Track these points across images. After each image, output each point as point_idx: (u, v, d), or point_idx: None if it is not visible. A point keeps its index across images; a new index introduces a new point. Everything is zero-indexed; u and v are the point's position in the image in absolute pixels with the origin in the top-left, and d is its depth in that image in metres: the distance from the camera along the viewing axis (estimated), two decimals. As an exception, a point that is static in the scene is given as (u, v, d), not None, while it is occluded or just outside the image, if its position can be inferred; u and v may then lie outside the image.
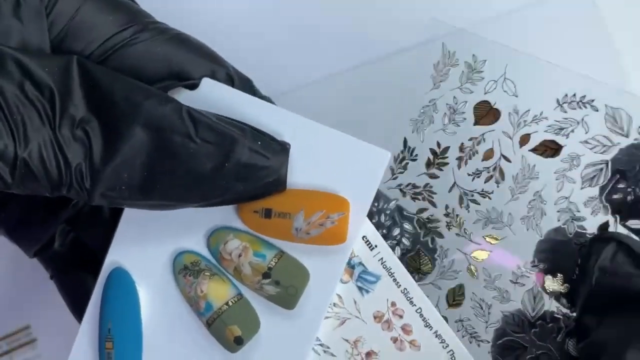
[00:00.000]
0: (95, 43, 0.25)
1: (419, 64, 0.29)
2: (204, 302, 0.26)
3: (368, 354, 0.26)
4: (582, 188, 0.27)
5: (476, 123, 0.28)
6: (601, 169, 0.27)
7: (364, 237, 0.26)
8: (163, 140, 0.23)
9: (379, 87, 0.31)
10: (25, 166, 0.23)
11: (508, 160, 0.28)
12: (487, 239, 0.28)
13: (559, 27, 0.33)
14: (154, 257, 0.27)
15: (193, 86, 0.26)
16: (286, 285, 0.25)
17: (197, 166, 0.23)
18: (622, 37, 0.33)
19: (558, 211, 0.27)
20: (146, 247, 0.27)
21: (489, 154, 0.28)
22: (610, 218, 0.27)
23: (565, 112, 0.27)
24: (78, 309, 0.30)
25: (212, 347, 0.26)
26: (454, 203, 0.28)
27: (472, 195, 0.28)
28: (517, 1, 0.34)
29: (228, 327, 0.26)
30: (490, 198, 0.28)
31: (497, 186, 0.28)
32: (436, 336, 0.25)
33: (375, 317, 0.26)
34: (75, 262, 0.31)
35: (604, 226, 0.27)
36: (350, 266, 0.26)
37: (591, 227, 0.27)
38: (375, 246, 0.26)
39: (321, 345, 0.26)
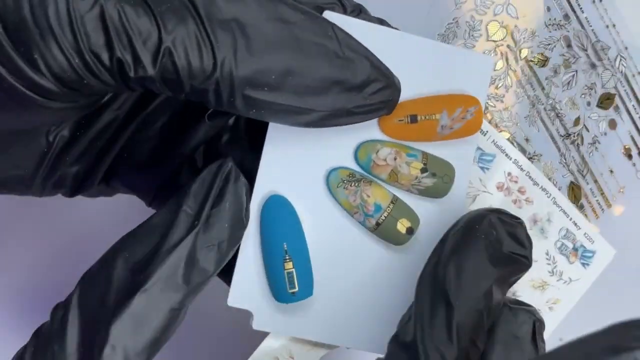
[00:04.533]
0: None
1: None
2: (373, 204, 0.28)
3: None
4: (563, 91, 0.35)
5: (488, 39, 0.34)
6: (572, 76, 0.35)
7: None
8: (313, 51, 0.24)
9: (406, 8, 0.35)
10: (168, 55, 0.22)
11: (513, 70, 0.34)
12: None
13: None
14: (305, 179, 0.29)
15: None
16: (442, 175, 0.29)
17: (340, 77, 0.25)
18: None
19: (548, 110, 0.35)
20: (295, 172, 0.29)
21: (499, 65, 0.34)
22: (581, 114, 0.36)
23: (550, 32, 0.35)
24: None
25: (378, 246, 0.29)
26: (477, 106, 0.34)
27: (489, 99, 0.34)
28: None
29: (399, 221, 0.29)
30: (503, 101, 0.34)
31: (507, 91, 0.34)
32: (542, 189, 0.33)
33: (497, 188, 0.32)
34: None
35: (577, 120, 0.36)
36: None
37: (570, 122, 0.35)
38: (487, 131, 0.31)
39: None
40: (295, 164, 0.29)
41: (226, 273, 0.28)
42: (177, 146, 0.31)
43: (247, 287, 0.28)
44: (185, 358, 0.40)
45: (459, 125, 0.29)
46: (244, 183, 0.27)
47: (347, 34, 0.26)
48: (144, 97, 0.29)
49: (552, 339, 0.34)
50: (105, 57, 0.22)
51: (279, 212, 0.29)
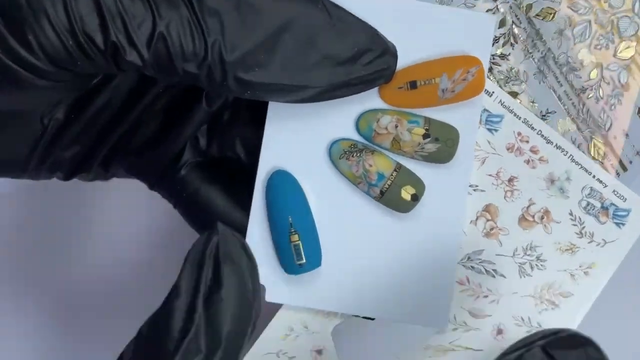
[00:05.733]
0: None
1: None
2: (376, 173, 0.29)
3: (510, 180, 0.32)
4: (574, 44, 0.33)
5: (489, -3, 0.33)
6: (586, 26, 0.33)
7: None
8: (302, 27, 0.25)
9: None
10: (161, 40, 0.23)
11: (518, 25, 0.33)
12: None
13: None
14: (308, 153, 0.29)
15: None
16: (445, 140, 0.29)
17: (332, 50, 0.25)
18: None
19: (560, 65, 0.33)
20: (297, 146, 0.29)
21: (502, 22, 0.33)
22: (597, 66, 0.34)
23: (556, -17, 0.33)
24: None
25: (384, 214, 0.30)
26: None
27: (494, 59, 0.33)
28: None
29: (403, 188, 0.29)
30: (508, 59, 0.33)
31: (512, 48, 0.33)
32: (557, 147, 0.32)
33: (507, 149, 0.31)
34: (204, 178, 0.31)
35: (593, 73, 0.34)
36: None
37: (585, 75, 0.33)
38: (493, 92, 0.31)
39: (470, 186, 0.31)
40: (297, 138, 0.29)
41: None
42: (179, 128, 0.31)
43: (258, 260, 0.29)
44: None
45: (460, 88, 0.29)
46: (242, 254, 0.22)
47: (336, 5, 0.26)
48: (140, 81, 0.30)
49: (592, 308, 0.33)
50: (99, 39, 0.23)
51: (283, 186, 0.29)
